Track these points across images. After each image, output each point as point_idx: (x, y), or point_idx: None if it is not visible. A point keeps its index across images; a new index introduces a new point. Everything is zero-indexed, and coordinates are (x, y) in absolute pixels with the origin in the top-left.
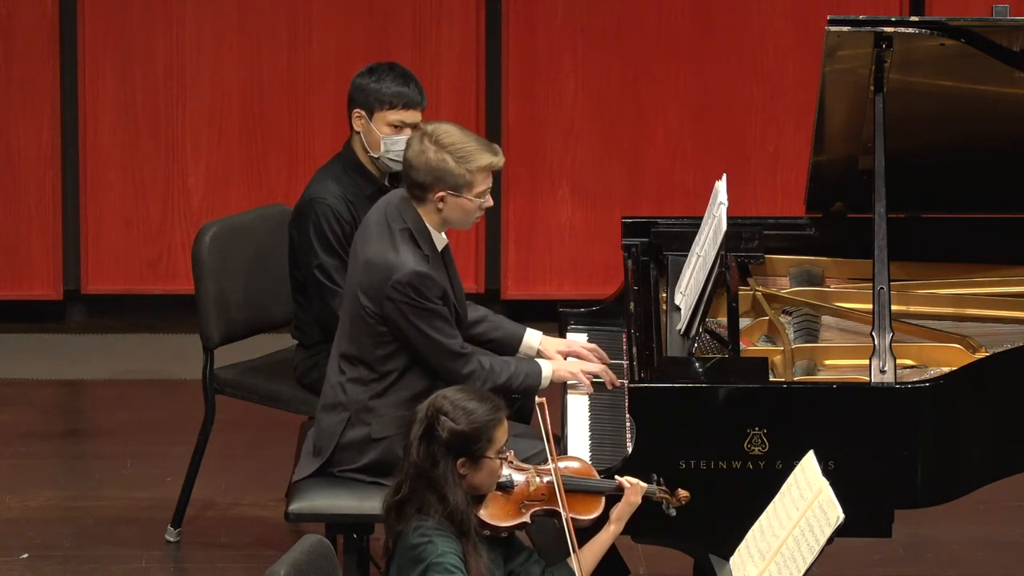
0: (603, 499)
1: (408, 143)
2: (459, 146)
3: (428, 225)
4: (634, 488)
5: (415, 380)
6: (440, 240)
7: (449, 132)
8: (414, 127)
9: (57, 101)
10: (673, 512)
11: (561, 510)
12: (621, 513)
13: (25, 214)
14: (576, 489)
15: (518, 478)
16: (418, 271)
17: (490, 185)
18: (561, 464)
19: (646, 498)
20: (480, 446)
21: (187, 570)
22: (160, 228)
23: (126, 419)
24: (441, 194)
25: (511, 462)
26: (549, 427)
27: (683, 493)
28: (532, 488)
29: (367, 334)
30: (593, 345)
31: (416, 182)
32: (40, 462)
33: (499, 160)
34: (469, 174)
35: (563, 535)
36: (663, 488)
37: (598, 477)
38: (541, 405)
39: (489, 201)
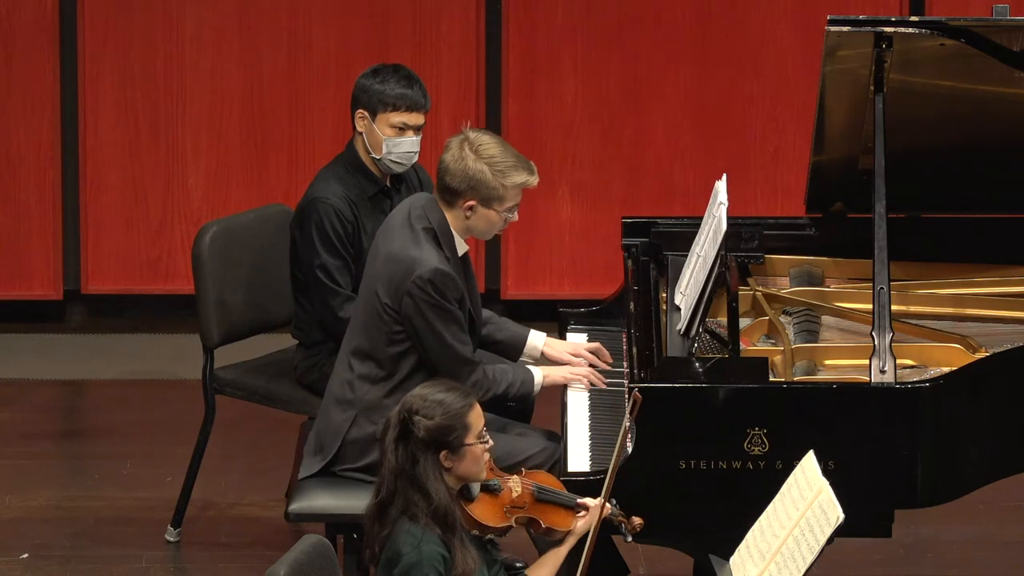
0: (574, 515)
1: (447, 146)
2: (498, 160)
3: (452, 229)
4: (594, 510)
5: (424, 380)
6: (461, 246)
7: (490, 144)
8: (417, 129)
9: (57, 101)
10: (630, 539)
11: (596, 514)
12: (581, 528)
13: (25, 214)
14: (554, 501)
15: (502, 483)
16: (440, 268)
17: (519, 201)
18: (535, 478)
19: (607, 521)
20: (458, 435)
21: (187, 570)
22: (160, 228)
23: (126, 419)
24: (472, 203)
25: (492, 469)
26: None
27: (637, 520)
28: (515, 495)
29: (381, 331)
30: (597, 345)
31: (449, 187)
32: (40, 462)
33: (534, 180)
34: (503, 188)
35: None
36: (621, 513)
37: (567, 493)
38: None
39: (515, 216)
